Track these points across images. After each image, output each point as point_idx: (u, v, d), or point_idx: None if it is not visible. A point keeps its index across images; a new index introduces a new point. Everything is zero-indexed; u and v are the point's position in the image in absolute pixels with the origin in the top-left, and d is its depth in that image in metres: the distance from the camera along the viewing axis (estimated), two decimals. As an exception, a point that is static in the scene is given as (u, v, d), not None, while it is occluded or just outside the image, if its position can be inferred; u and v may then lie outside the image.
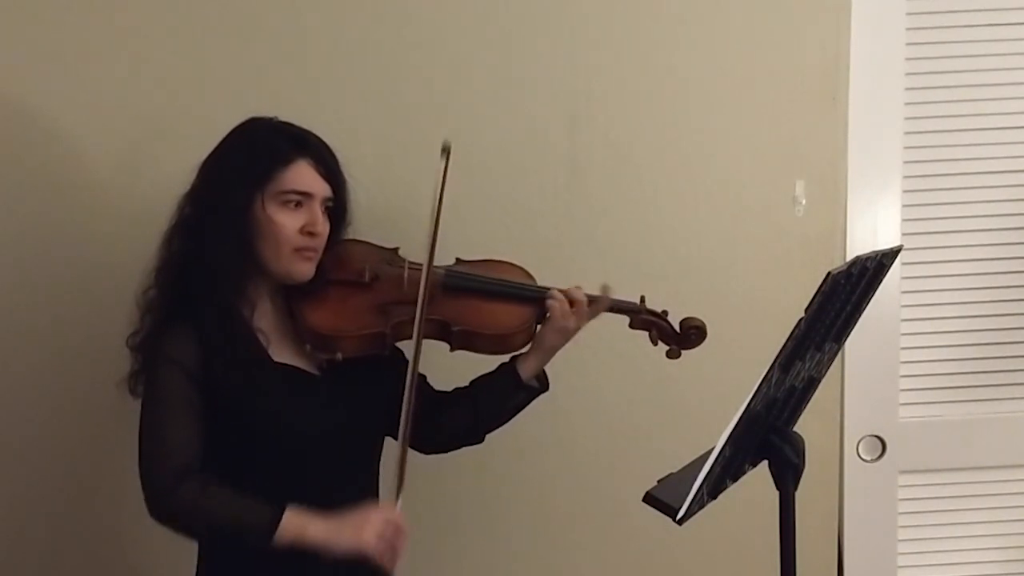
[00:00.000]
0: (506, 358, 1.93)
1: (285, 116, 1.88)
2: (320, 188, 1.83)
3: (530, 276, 1.98)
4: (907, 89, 2.41)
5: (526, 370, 1.90)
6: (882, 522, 2.51)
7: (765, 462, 1.60)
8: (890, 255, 1.63)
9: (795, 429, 1.65)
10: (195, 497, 1.72)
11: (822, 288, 1.44)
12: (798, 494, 1.57)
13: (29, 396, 2.28)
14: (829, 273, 1.44)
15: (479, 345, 1.89)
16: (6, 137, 2.24)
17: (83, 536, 2.33)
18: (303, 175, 1.81)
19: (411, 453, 1.80)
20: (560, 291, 1.90)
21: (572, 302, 1.88)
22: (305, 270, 1.83)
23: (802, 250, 2.37)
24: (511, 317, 1.90)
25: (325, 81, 2.27)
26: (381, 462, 1.93)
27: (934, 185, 2.44)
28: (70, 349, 2.26)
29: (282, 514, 1.70)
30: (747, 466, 1.64)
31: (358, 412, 1.86)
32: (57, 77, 2.23)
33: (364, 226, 1.97)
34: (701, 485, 1.49)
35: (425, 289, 1.78)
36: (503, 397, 1.92)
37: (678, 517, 1.51)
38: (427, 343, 1.80)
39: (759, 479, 1.63)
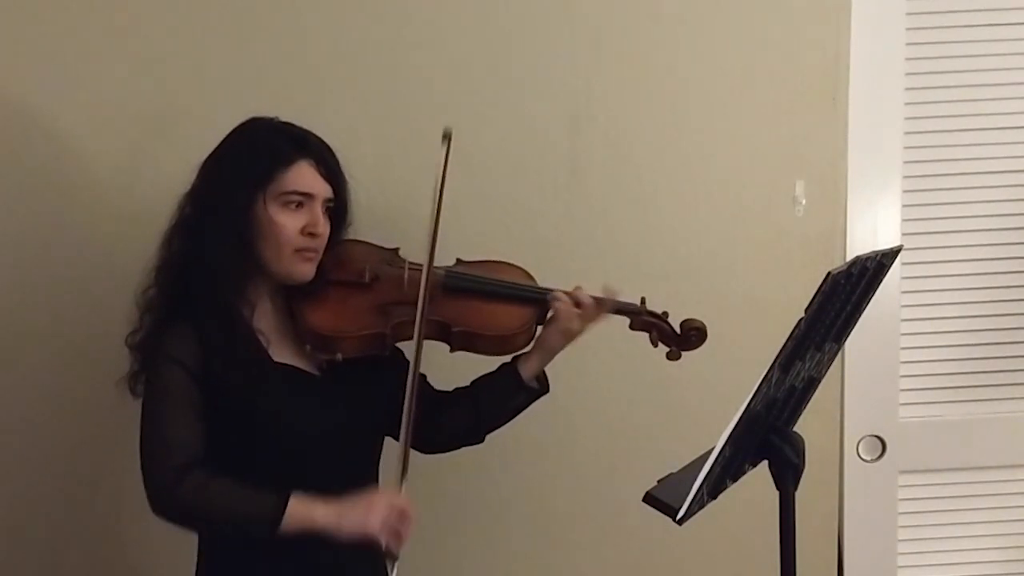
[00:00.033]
0: (507, 358, 1.93)
1: (285, 116, 1.88)
2: (321, 188, 1.83)
3: (530, 277, 1.98)
4: (907, 89, 2.41)
5: (527, 370, 1.90)
6: (882, 522, 2.51)
7: (765, 462, 1.60)
8: (890, 255, 1.63)
9: (795, 429, 1.65)
10: (198, 491, 1.72)
11: (822, 288, 1.44)
12: (798, 494, 1.57)
13: (29, 396, 2.28)
14: (829, 273, 1.44)
15: (479, 346, 1.89)
16: (6, 137, 2.23)
17: (83, 536, 2.33)
18: (304, 176, 1.81)
19: (412, 451, 1.80)
20: (565, 293, 1.90)
21: (578, 303, 1.88)
22: (306, 271, 1.83)
23: (802, 250, 2.37)
24: (511, 318, 1.90)
25: (325, 81, 2.27)
26: (381, 462, 1.93)
27: (934, 185, 2.44)
28: (70, 349, 2.26)
29: (287, 501, 1.71)
30: (747, 466, 1.64)
31: (358, 412, 1.86)
32: (57, 77, 2.23)
33: (364, 226, 1.97)
34: (701, 485, 1.49)
35: (426, 289, 1.78)
36: (504, 397, 1.92)
37: (678, 517, 1.51)
38: (427, 343, 1.80)
39: (759, 479, 1.63)
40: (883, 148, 2.41)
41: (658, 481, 1.60)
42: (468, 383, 1.97)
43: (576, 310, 1.88)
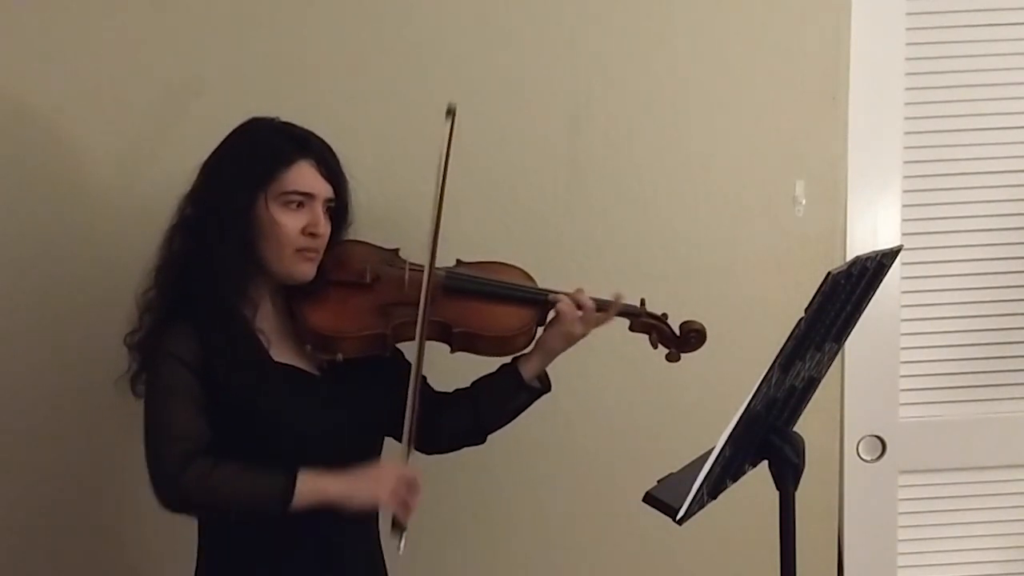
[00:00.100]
0: (507, 359, 1.93)
1: (286, 116, 1.88)
2: (322, 188, 1.83)
3: (531, 278, 1.98)
4: (907, 89, 2.41)
5: (528, 371, 1.90)
6: (882, 522, 2.51)
7: (765, 462, 1.60)
8: (890, 255, 1.64)
9: (795, 429, 1.65)
10: (204, 476, 1.71)
11: (822, 288, 1.44)
12: (798, 494, 1.57)
13: (29, 396, 2.28)
14: (829, 273, 1.44)
15: (480, 347, 1.88)
16: (6, 137, 2.24)
17: (83, 536, 2.33)
18: (305, 176, 1.81)
19: (413, 452, 1.80)
20: (568, 295, 1.90)
21: (580, 306, 1.88)
22: (306, 271, 1.83)
23: (802, 250, 2.37)
24: (512, 319, 1.90)
25: (325, 81, 2.27)
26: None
27: (934, 185, 2.44)
28: (70, 349, 2.26)
29: (296, 477, 1.71)
30: (747, 466, 1.64)
31: (358, 413, 1.86)
32: (57, 77, 2.23)
33: (365, 226, 1.97)
34: (701, 485, 1.49)
35: (427, 289, 1.78)
36: (505, 398, 1.92)
37: (678, 517, 1.51)
38: (428, 344, 1.80)
39: (759, 479, 1.63)
40: (883, 148, 2.41)
41: (658, 481, 1.60)
42: (468, 384, 1.97)
43: (578, 312, 1.88)
